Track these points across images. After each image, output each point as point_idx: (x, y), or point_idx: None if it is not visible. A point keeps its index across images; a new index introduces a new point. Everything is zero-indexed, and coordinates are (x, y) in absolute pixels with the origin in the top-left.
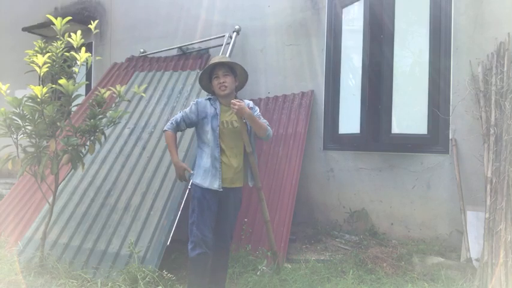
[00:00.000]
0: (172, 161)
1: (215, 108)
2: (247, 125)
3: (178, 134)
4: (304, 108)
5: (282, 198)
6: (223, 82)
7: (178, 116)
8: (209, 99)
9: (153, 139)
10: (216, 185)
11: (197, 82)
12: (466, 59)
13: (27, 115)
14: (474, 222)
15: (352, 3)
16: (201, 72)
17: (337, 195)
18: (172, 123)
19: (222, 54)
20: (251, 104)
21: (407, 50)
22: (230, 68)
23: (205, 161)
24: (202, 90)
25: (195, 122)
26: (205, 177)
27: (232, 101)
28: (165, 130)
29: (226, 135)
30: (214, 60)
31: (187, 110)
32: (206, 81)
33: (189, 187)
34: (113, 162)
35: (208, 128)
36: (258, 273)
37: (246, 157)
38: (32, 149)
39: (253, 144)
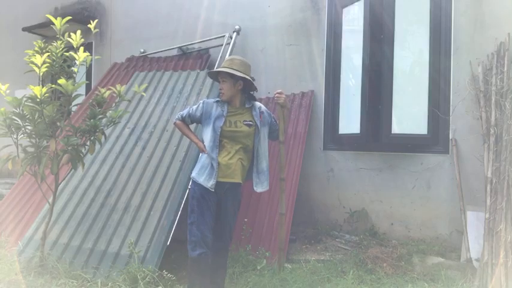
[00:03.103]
0: (194, 142)
1: (222, 110)
2: (258, 126)
3: (179, 134)
4: (304, 108)
5: None
6: (221, 89)
7: (185, 111)
8: (217, 101)
9: (153, 139)
10: (209, 184)
11: (197, 82)
12: (466, 59)
13: (27, 115)
14: (474, 222)
15: (352, 3)
16: (208, 73)
17: (337, 195)
18: (179, 117)
19: (221, 54)
20: (263, 107)
21: (408, 50)
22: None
23: (204, 158)
24: (203, 90)
25: (198, 120)
26: (200, 173)
27: (279, 91)
28: (175, 122)
29: (228, 136)
30: (223, 63)
31: (194, 107)
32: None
33: (189, 187)
34: (113, 162)
35: (209, 128)
36: (259, 267)
37: (253, 159)
38: (32, 149)
39: (265, 145)
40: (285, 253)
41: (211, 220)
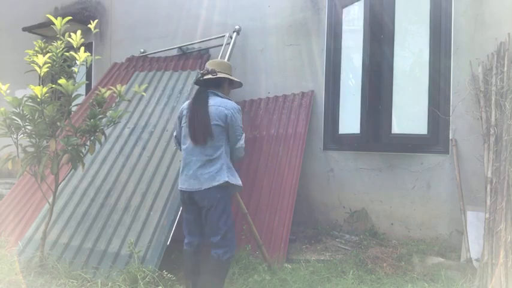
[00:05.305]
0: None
1: None
2: None
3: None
4: (304, 108)
5: (282, 198)
6: None
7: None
8: None
9: (153, 139)
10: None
11: None
12: (466, 59)
13: (27, 115)
14: (474, 222)
15: (352, 3)
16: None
17: (337, 195)
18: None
19: (221, 54)
20: None
21: (408, 50)
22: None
23: (228, 159)
24: None
25: None
26: (236, 175)
27: None
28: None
29: None
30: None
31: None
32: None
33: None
34: (113, 162)
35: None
36: (255, 277)
37: None
38: (32, 149)
39: None
40: (285, 253)
41: None
